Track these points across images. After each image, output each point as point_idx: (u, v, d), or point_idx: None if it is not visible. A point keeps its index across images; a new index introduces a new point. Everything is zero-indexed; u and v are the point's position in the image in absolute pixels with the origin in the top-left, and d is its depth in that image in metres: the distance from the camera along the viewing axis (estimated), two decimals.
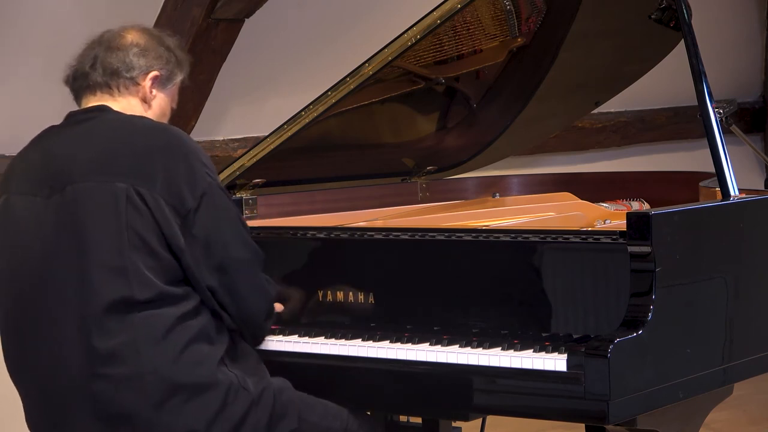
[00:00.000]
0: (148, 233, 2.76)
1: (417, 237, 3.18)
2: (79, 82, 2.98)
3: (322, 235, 3.31)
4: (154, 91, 2.99)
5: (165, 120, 3.04)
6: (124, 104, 2.95)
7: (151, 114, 2.99)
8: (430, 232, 3.19)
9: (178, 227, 2.78)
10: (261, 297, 2.93)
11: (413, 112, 4.08)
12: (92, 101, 2.96)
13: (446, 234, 3.17)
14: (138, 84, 2.96)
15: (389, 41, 3.56)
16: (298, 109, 3.64)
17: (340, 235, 3.31)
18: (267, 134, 3.68)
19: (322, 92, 3.62)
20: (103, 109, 2.93)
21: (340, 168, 4.04)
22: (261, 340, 3.05)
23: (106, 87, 2.95)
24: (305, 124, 3.62)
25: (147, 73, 2.96)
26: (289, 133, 3.63)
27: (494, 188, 4.27)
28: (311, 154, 3.89)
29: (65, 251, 2.79)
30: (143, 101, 2.97)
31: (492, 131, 4.17)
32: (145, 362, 2.73)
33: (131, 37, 2.98)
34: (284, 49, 5.34)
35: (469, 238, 3.12)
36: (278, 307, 3.13)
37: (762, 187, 7.09)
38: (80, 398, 2.77)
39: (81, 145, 2.86)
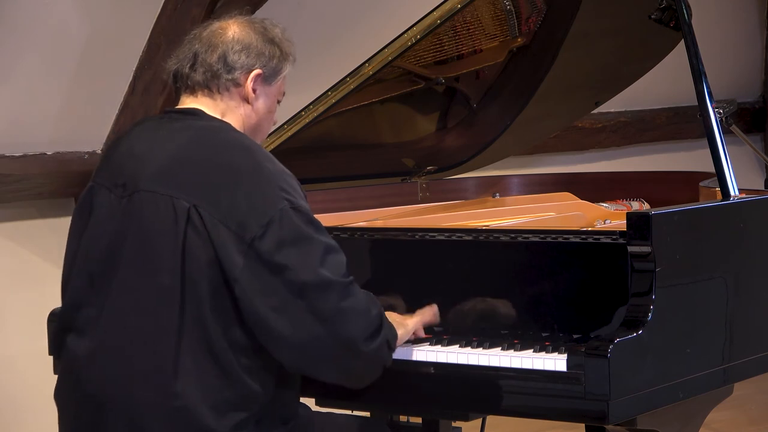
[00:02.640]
0: (204, 256, 2.66)
1: (417, 237, 3.18)
2: (180, 82, 2.86)
3: None
4: (257, 90, 2.86)
5: (271, 117, 2.93)
6: (223, 107, 2.85)
7: (254, 113, 2.88)
8: (430, 232, 3.19)
9: (242, 256, 2.65)
10: (355, 319, 2.69)
11: (413, 112, 4.08)
12: (190, 101, 2.86)
13: (446, 234, 3.17)
14: (239, 85, 2.84)
15: (389, 41, 3.56)
16: (298, 109, 3.64)
17: (340, 235, 3.30)
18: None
19: (322, 92, 3.62)
20: (196, 113, 2.82)
21: (340, 168, 4.04)
22: (368, 373, 2.78)
23: (206, 88, 2.83)
24: (305, 124, 3.62)
25: (249, 73, 2.84)
26: (289, 133, 3.63)
27: (494, 188, 4.27)
28: (311, 154, 3.89)
29: (128, 257, 2.73)
30: (245, 101, 2.86)
31: (492, 131, 4.17)
32: (175, 395, 2.66)
33: (232, 32, 2.85)
34: None
35: (469, 238, 3.12)
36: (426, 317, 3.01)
37: (762, 187, 7.09)
38: (111, 403, 2.72)
39: (159, 150, 2.78)
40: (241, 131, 2.86)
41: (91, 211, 2.83)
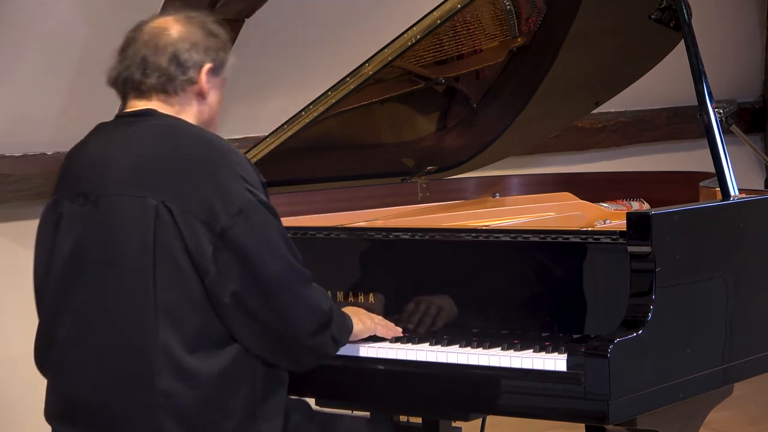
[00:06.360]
0: (176, 251, 2.69)
1: (417, 237, 3.18)
2: (130, 86, 2.85)
3: (322, 235, 3.31)
4: (209, 84, 2.86)
5: (219, 108, 2.94)
6: (178, 107, 2.84)
7: (207, 107, 2.88)
8: (430, 232, 3.19)
9: (211, 246, 2.68)
10: (307, 314, 2.76)
11: (413, 112, 4.08)
12: (142, 104, 2.85)
13: (446, 234, 3.17)
14: (194, 82, 2.84)
15: (389, 41, 3.56)
16: (298, 109, 3.64)
17: (340, 235, 3.31)
18: (267, 134, 3.68)
19: (322, 92, 3.62)
20: (151, 113, 2.82)
21: (340, 168, 4.04)
22: (308, 361, 2.85)
23: (162, 92, 2.83)
24: (305, 124, 3.62)
25: (201, 68, 2.84)
26: (289, 133, 3.63)
27: (494, 188, 4.27)
28: (311, 154, 3.89)
29: (94, 262, 2.74)
30: (200, 97, 2.86)
31: (492, 131, 4.17)
32: (157, 394, 2.68)
33: (176, 31, 2.83)
34: (284, 49, 5.34)
35: (469, 238, 3.12)
36: (384, 331, 3.07)
37: (762, 187, 7.09)
38: (93, 405, 2.74)
39: (119, 153, 2.78)
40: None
41: (57, 226, 2.83)
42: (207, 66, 2.85)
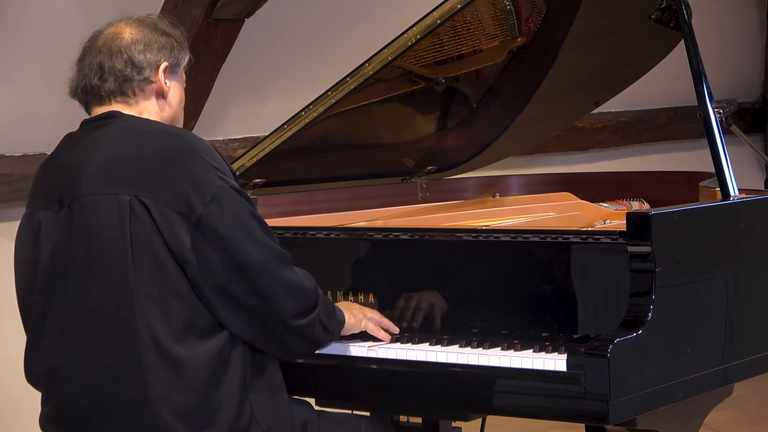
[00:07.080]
0: (154, 244, 2.71)
1: (417, 237, 3.18)
2: (91, 94, 2.88)
3: (322, 235, 3.31)
4: (168, 82, 2.90)
5: (182, 106, 2.97)
6: (139, 108, 2.87)
7: (168, 105, 2.91)
8: (430, 232, 3.19)
9: (189, 235, 2.70)
10: (290, 295, 2.78)
11: (413, 112, 4.08)
12: (104, 109, 2.88)
13: (446, 234, 3.17)
14: (152, 82, 2.87)
15: (389, 41, 3.56)
16: (298, 109, 3.64)
17: (340, 235, 3.31)
18: (267, 134, 3.68)
19: (322, 92, 3.62)
20: (114, 116, 2.85)
21: (340, 168, 4.04)
22: (297, 347, 2.88)
23: (121, 94, 2.86)
24: (305, 124, 3.62)
25: (158, 68, 2.87)
26: (289, 133, 3.63)
27: (494, 188, 4.27)
28: (311, 154, 3.89)
29: (76, 265, 2.75)
30: (160, 96, 2.89)
31: (492, 131, 4.17)
32: (152, 387, 2.69)
33: (129, 34, 2.87)
34: (284, 49, 5.34)
35: (469, 238, 3.12)
36: (377, 332, 3.09)
37: (762, 187, 7.09)
38: (88, 408, 2.75)
39: (88, 156, 2.80)
40: None
41: (37, 238, 2.84)
42: (163, 65, 2.89)
